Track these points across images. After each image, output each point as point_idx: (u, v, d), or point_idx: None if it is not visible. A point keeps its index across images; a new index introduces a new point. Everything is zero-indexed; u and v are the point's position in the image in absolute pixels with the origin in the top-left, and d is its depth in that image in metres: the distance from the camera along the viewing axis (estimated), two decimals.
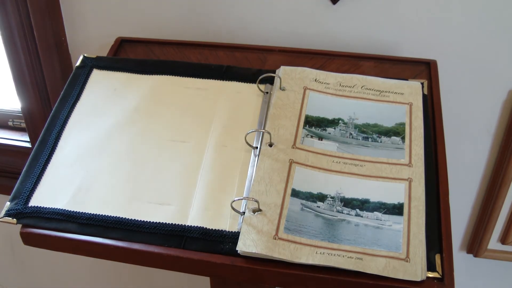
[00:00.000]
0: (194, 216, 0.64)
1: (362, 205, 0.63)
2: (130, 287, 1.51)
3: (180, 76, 0.80)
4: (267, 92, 0.76)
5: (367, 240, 0.59)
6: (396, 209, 0.62)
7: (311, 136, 0.69)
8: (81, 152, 0.71)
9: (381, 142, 0.69)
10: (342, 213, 0.62)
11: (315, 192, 0.64)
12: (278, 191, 0.64)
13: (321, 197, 0.63)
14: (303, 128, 0.70)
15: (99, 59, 0.83)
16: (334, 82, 0.76)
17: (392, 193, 0.63)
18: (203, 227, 0.62)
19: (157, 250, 0.61)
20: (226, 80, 0.78)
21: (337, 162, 0.67)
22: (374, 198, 0.63)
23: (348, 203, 0.63)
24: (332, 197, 0.63)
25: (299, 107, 0.72)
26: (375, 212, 0.62)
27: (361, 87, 0.75)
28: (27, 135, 1.21)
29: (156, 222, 0.63)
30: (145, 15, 0.97)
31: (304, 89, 0.74)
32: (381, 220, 0.61)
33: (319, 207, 0.63)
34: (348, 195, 0.64)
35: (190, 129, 0.73)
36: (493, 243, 1.07)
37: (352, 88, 0.75)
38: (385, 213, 0.61)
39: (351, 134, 0.70)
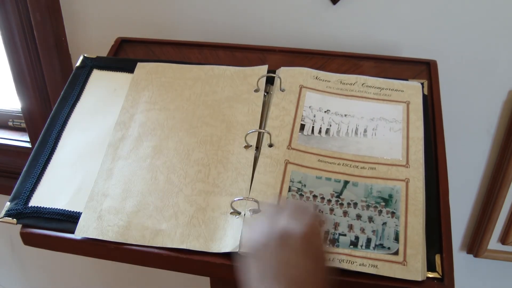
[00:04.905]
0: None
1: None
2: (130, 287, 1.51)
3: None
4: (267, 92, 0.76)
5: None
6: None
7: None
8: (81, 152, 0.71)
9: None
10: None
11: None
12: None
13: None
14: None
15: (99, 59, 0.83)
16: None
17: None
18: None
19: (157, 250, 0.61)
20: None
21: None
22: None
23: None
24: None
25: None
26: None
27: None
28: (27, 135, 1.21)
29: None
30: (145, 15, 0.97)
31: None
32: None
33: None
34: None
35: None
36: (493, 243, 1.07)
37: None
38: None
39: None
